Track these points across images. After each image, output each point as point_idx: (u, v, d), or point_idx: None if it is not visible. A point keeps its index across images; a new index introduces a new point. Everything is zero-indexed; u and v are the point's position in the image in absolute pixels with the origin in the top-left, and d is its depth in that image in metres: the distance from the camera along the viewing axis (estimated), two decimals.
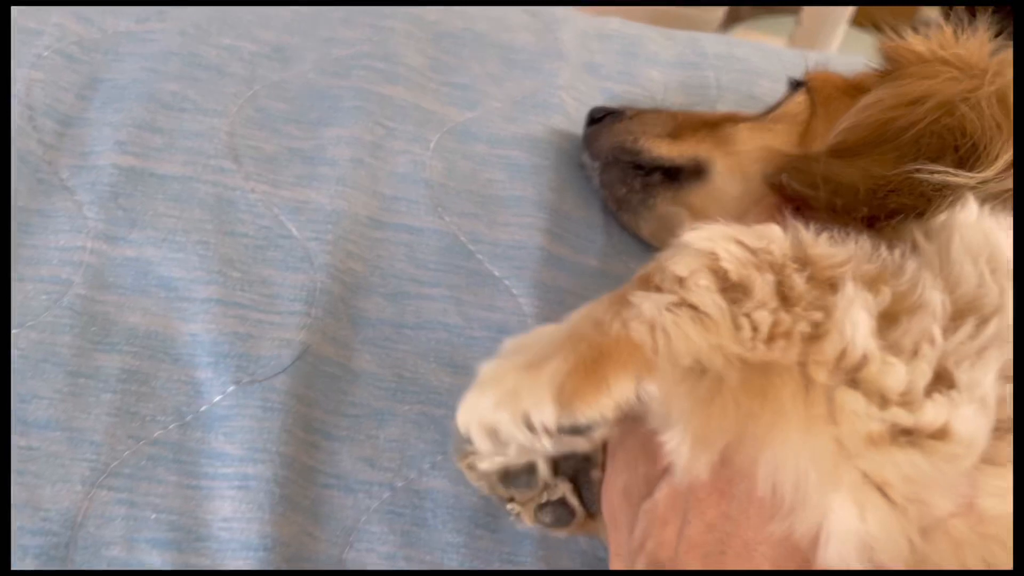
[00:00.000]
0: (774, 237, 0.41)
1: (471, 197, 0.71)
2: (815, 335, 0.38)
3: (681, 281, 0.41)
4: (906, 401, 0.36)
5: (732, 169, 0.63)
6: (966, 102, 0.51)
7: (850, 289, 0.38)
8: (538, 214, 0.71)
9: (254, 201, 0.65)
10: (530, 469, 0.49)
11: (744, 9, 2.36)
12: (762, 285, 0.39)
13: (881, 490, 0.35)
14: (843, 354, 0.37)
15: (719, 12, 1.83)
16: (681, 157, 0.66)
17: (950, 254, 0.41)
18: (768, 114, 0.65)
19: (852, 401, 0.36)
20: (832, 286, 0.39)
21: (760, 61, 0.89)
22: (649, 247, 0.70)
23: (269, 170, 0.67)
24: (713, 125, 0.66)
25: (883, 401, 0.36)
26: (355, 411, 0.59)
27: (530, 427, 0.41)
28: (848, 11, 1.98)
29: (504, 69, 0.81)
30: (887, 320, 0.38)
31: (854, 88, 0.61)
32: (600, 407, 0.41)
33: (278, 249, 0.63)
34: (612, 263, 0.71)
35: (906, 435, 0.36)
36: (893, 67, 0.59)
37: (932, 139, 0.50)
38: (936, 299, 0.38)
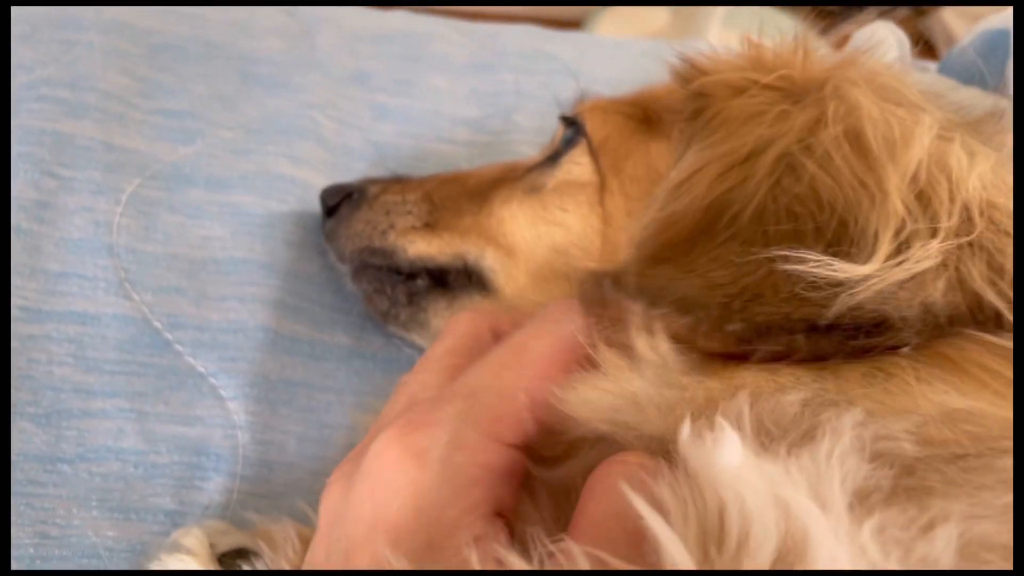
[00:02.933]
0: None
1: (175, 265, 0.54)
2: None
3: None
4: None
5: (515, 275, 0.47)
6: (809, 154, 0.36)
7: None
8: (267, 281, 0.54)
9: None
10: None
11: None
12: None
13: None
14: None
15: None
16: (443, 255, 0.50)
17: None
18: (546, 167, 0.49)
19: None
20: None
21: (575, 58, 0.74)
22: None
23: None
24: (481, 199, 0.50)
25: None
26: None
27: None
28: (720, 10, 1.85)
29: (240, 87, 0.64)
30: None
31: (643, 118, 0.46)
32: None
33: None
34: (369, 339, 0.55)
35: None
36: (702, 104, 0.43)
37: (781, 219, 0.34)
38: None
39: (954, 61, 0.65)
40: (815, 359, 0.30)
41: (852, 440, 0.25)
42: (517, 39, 0.75)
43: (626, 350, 0.32)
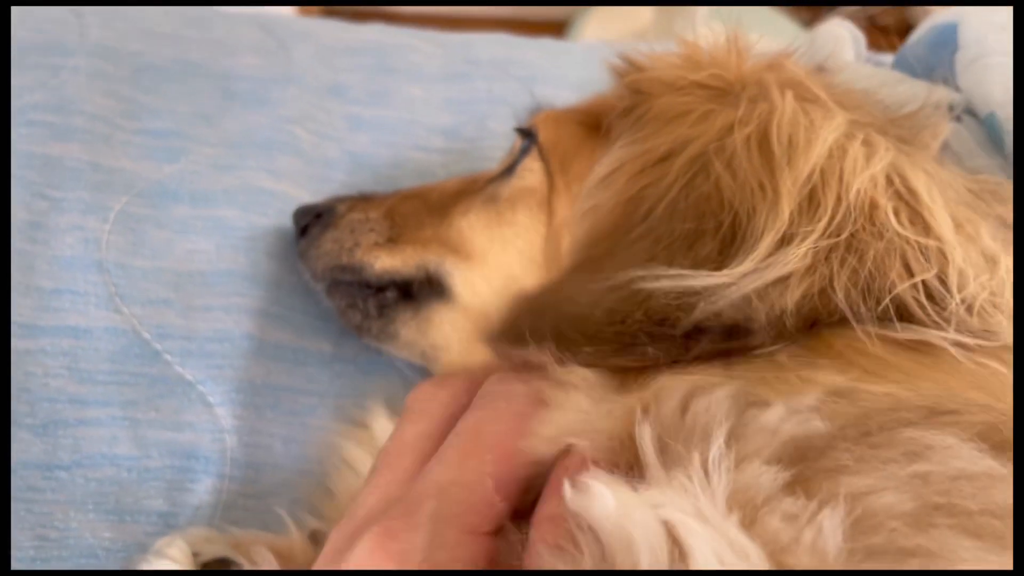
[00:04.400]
0: None
1: (163, 278, 0.56)
2: None
3: None
4: None
5: (473, 280, 0.49)
6: (721, 154, 0.38)
7: None
8: (251, 291, 0.57)
9: None
10: None
11: None
12: None
13: None
14: None
15: None
16: (407, 267, 0.52)
17: None
18: (503, 177, 0.51)
19: None
20: None
21: (545, 64, 0.77)
22: None
23: None
24: (442, 212, 0.52)
25: None
26: None
27: None
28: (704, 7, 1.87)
29: (221, 104, 0.67)
30: None
31: (594, 124, 0.48)
32: None
33: None
34: (349, 345, 0.58)
35: None
36: (636, 101, 0.45)
37: (688, 217, 0.37)
38: None
39: (908, 54, 0.67)
40: (705, 359, 0.33)
41: (754, 435, 0.27)
42: (489, 47, 0.77)
43: (561, 385, 0.35)
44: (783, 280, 0.33)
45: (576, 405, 0.34)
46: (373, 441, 0.48)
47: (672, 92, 0.43)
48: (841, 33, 0.70)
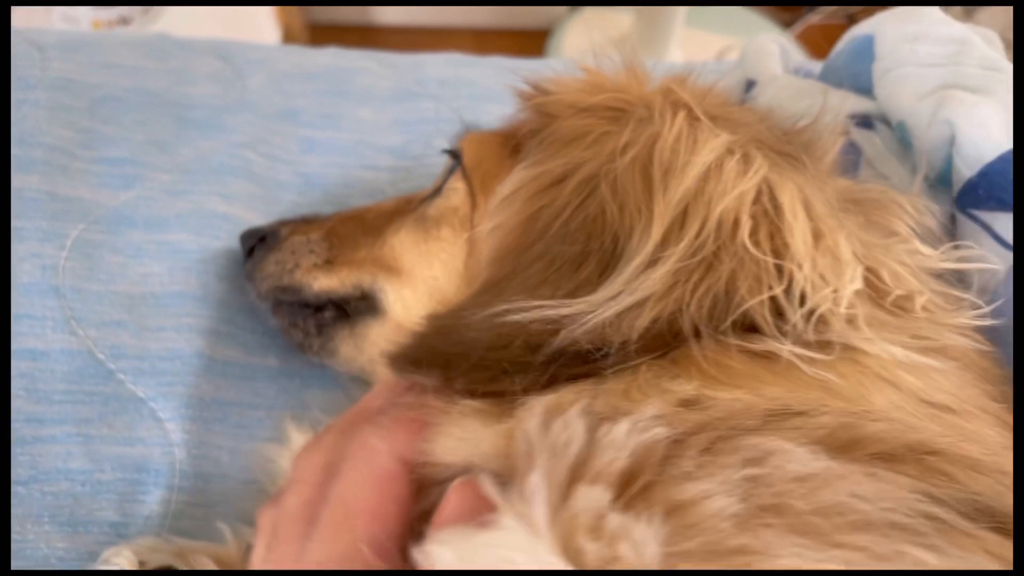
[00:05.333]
0: None
1: (117, 301, 0.59)
2: None
3: None
4: None
5: (403, 295, 0.52)
6: (608, 178, 0.41)
7: None
8: (201, 312, 0.60)
9: None
10: None
11: None
12: None
13: None
14: None
15: None
16: (343, 287, 0.54)
17: None
18: (433, 197, 0.54)
19: None
20: None
21: (491, 82, 0.80)
22: None
23: None
24: (377, 232, 0.55)
25: None
26: None
27: None
28: (683, 9, 1.89)
29: (176, 132, 0.70)
30: None
31: (516, 145, 0.51)
32: None
33: None
34: (295, 360, 0.61)
35: None
36: (542, 123, 0.48)
37: (578, 240, 0.40)
38: None
39: (832, 64, 0.70)
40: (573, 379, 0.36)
41: (605, 451, 0.30)
42: (439, 68, 0.80)
43: (448, 411, 0.38)
44: (640, 304, 0.36)
45: (462, 431, 0.37)
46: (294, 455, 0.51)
47: (573, 114, 0.46)
48: (770, 48, 0.73)
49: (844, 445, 0.33)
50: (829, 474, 0.31)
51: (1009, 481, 0.33)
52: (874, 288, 0.39)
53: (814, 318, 0.37)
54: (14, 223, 0.61)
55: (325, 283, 0.55)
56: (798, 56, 0.80)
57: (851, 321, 0.37)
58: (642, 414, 0.32)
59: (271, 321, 0.59)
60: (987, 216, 0.56)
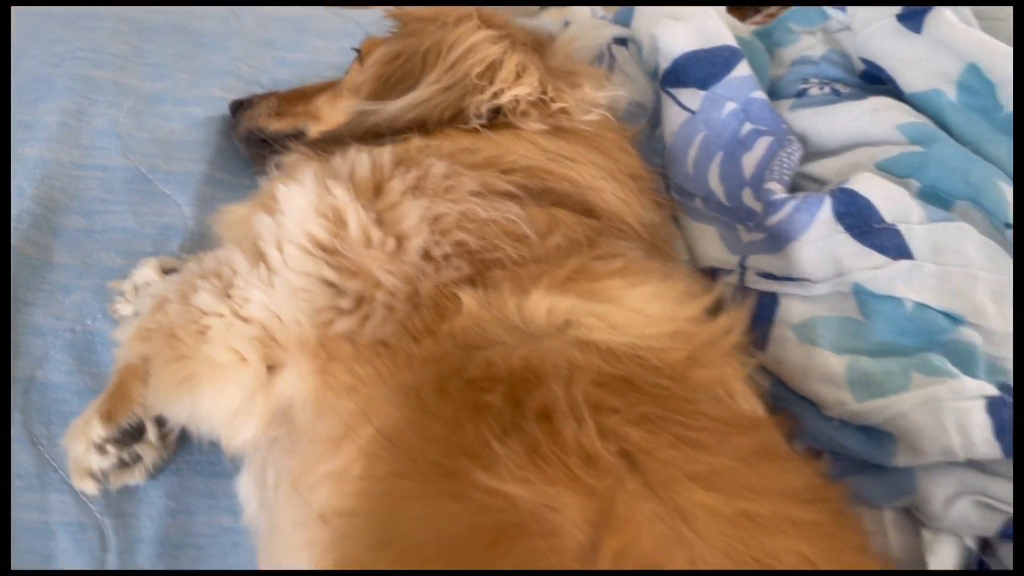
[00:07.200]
0: None
1: (155, 143, 0.97)
2: None
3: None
4: None
5: (318, 130, 0.89)
6: (420, 51, 0.79)
7: None
8: (205, 152, 0.97)
9: None
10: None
11: None
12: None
13: None
14: None
15: None
16: (288, 128, 0.91)
17: None
18: (343, 77, 0.91)
19: None
20: None
21: None
22: None
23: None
24: (310, 98, 0.92)
25: None
26: (48, 287, 0.84)
27: (98, 447, 0.68)
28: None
29: (193, 49, 1.07)
30: None
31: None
32: (128, 416, 0.68)
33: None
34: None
35: None
36: (399, 27, 0.86)
37: (403, 76, 0.78)
38: None
39: (619, 13, 1.07)
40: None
41: (377, 159, 0.68)
42: (372, 16, 1.18)
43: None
44: (416, 106, 0.73)
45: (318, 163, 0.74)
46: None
47: (411, 22, 0.83)
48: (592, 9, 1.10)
49: (480, 164, 0.69)
50: (451, 172, 0.67)
51: (572, 177, 0.70)
52: (544, 104, 0.76)
53: (501, 110, 0.74)
54: (90, 97, 0.98)
55: (276, 125, 0.92)
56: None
57: (523, 113, 0.74)
58: (386, 152, 0.68)
59: (244, 153, 0.96)
60: (674, 91, 0.93)
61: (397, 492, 0.52)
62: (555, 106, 0.76)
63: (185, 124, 0.99)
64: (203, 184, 0.95)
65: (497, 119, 0.75)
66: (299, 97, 0.94)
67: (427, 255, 0.62)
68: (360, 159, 0.68)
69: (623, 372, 0.56)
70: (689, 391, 0.56)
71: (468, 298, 0.60)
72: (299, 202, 0.66)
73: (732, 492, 0.49)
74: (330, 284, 0.63)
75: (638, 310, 0.60)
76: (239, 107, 0.96)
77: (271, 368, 0.64)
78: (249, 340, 0.63)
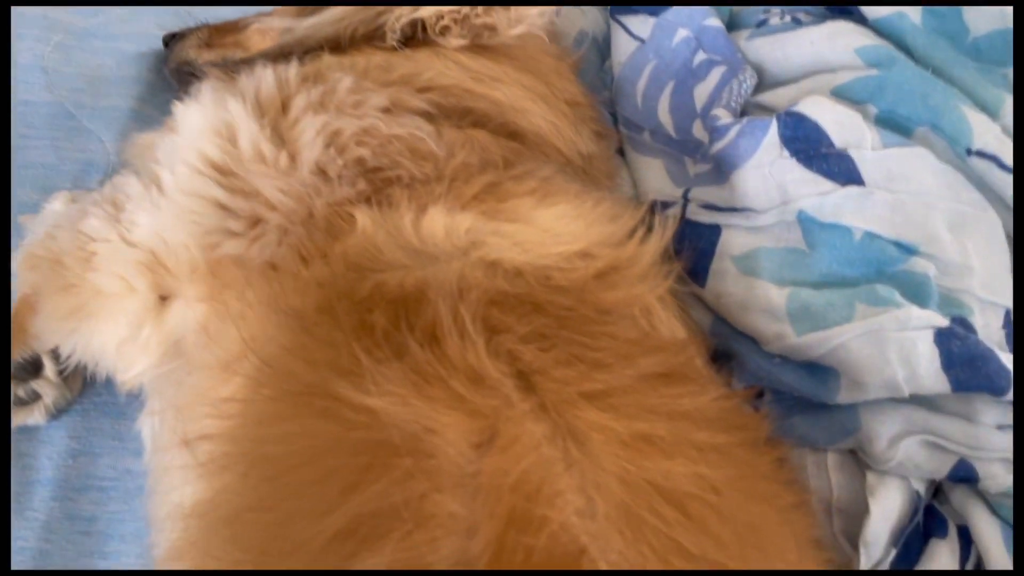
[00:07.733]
0: None
1: (82, 78, 0.92)
2: None
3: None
4: None
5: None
6: None
7: None
8: (134, 88, 0.93)
9: None
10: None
11: None
12: None
13: None
14: None
15: None
16: (218, 59, 0.86)
17: None
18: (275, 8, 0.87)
19: None
20: None
21: None
22: None
23: None
24: (241, 29, 0.88)
25: None
26: None
27: None
28: None
29: None
30: None
31: None
32: (21, 350, 0.65)
33: None
34: None
35: None
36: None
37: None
38: None
39: None
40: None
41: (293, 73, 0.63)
42: None
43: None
44: (327, 25, 0.69)
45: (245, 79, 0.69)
46: None
47: None
48: None
49: (393, 81, 0.65)
50: (358, 87, 0.62)
51: (495, 97, 0.65)
52: (467, 19, 0.71)
53: (422, 27, 0.69)
54: (16, 31, 0.94)
55: (206, 56, 0.87)
56: None
57: (444, 29, 0.69)
58: (292, 68, 0.64)
59: (174, 85, 0.91)
60: (624, 18, 0.88)
61: (270, 414, 0.48)
62: (478, 20, 0.71)
63: (116, 59, 0.94)
64: (130, 120, 0.90)
65: (415, 37, 0.70)
66: (231, 28, 0.89)
67: (322, 172, 0.58)
68: (265, 76, 0.64)
69: (525, 291, 0.51)
70: (596, 312, 0.52)
71: (363, 217, 0.55)
72: (195, 120, 0.62)
73: (630, 413, 0.44)
74: (221, 205, 0.58)
75: (547, 229, 0.55)
76: (172, 39, 0.91)
77: (163, 298, 0.60)
78: (136, 266, 0.59)
